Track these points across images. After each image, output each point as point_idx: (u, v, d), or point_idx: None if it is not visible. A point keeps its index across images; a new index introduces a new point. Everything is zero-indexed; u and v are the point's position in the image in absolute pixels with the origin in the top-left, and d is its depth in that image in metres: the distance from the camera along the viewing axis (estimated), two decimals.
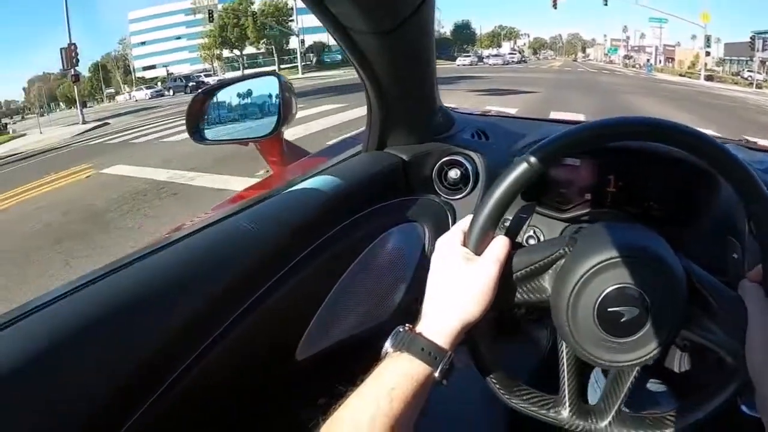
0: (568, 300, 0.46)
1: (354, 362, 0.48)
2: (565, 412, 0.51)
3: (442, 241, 0.50)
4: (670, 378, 0.81)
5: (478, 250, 0.48)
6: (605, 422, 0.51)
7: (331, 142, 1.05)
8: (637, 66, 45.27)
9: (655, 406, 0.50)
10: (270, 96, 0.88)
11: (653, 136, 0.49)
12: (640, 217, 0.71)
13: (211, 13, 34.32)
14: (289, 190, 0.72)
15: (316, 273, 0.65)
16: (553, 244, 0.51)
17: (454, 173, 0.79)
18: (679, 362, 0.85)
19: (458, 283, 0.47)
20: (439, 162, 0.80)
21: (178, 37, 47.21)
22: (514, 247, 0.50)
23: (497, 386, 0.52)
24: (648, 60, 40.70)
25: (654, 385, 0.80)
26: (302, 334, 0.66)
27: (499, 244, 0.48)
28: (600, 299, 0.45)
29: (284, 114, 0.85)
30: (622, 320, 0.45)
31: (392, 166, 0.77)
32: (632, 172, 0.72)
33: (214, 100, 0.95)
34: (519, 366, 0.54)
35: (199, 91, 1.03)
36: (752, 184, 0.47)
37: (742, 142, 1.07)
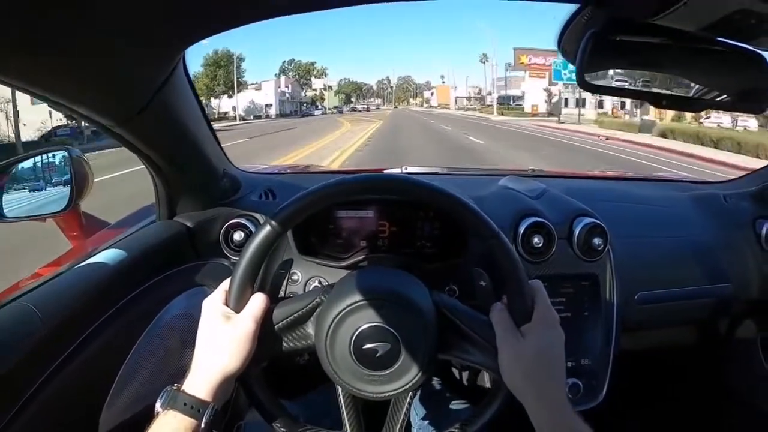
0: (326, 341, 0.51)
1: None
2: None
3: (207, 302, 0.53)
4: (473, 395, 0.87)
5: (238, 308, 0.52)
6: None
7: (130, 212, 1.05)
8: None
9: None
10: (62, 170, 0.86)
11: (382, 191, 0.56)
12: (415, 255, 0.80)
13: None
14: (77, 266, 0.72)
15: (105, 349, 0.66)
16: (312, 293, 0.55)
17: (238, 236, 0.84)
18: (468, 380, 0.95)
19: (217, 339, 0.50)
20: (225, 226, 0.85)
21: None
22: (276, 300, 0.55)
23: (282, 429, 0.54)
24: None
25: (458, 405, 0.87)
26: (101, 409, 0.66)
27: (256, 301, 0.52)
28: (354, 338, 0.50)
29: (78, 188, 0.85)
30: (377, 355, 0.50)
31: (179, 234, 0.81)
32: (402, 217, 0.81)
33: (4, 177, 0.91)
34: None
35: None
36: (483, 224, 0.53)
37: (528, 172, 1.31)
